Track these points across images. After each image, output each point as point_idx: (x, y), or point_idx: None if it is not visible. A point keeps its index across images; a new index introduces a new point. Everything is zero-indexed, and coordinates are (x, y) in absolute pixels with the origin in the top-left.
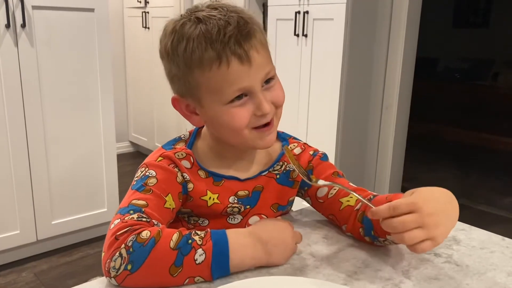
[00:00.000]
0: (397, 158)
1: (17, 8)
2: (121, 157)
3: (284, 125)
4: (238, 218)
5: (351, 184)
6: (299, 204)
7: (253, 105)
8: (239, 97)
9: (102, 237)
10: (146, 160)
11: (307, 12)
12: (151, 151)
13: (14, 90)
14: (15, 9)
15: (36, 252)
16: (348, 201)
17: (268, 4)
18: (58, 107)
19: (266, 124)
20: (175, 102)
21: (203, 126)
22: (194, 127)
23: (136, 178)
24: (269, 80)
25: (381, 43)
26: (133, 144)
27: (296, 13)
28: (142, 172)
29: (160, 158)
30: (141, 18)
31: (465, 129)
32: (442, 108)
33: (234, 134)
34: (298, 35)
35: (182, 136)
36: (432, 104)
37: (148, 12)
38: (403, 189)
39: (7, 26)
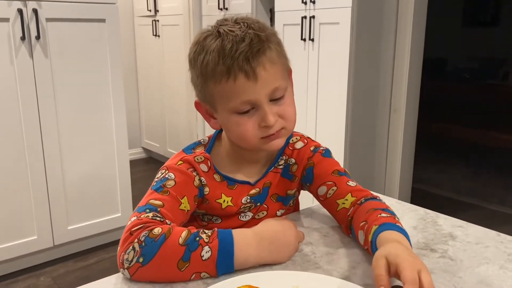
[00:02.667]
0: (406, 160)
1: (32, 21)
2: (134, 163)
3: None
4: (249, 215)
5: (350, 183)
6: (304, 204)
7: (259, 117)
8: (247, 110)
9: (117, 242)
10: (167, 163)
11: (313, 16)
12: (163, 156)
13: (30, 99)
14: (29, 22)
15: (53, 257)
16: (344, 203)
17: (275, 9)
18: (72, 116)
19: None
20: (197, 105)
21: (222, 131)
22: (212, 132)
23: (156, 179)
24: (279, 96)
25: (388, 46)
26: (145, 150)
27: (302, 18)
28: (162, 174)
29: (180, 162)
30: (151, 26)
31: (476, 129)
32: (452, 108)
33: (244, 141)
34: (305, 40)
35: (202, 140)
36: (442, 104)
37: (158, 21)
38: (414, 190)
39: (23, 38)
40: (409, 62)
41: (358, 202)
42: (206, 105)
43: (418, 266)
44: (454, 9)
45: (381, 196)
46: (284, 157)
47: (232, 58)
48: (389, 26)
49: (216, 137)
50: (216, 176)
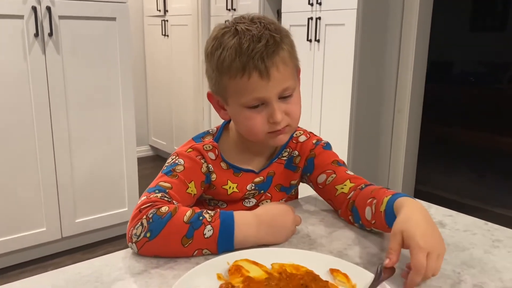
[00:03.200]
0: (409, 161)
1: (45, 18)
2: (141, 160)
3: None
4: (253, 201)
5: (348, 172)
6: (303, 193)
7: (267, 113)
8: (257, 105)
9: (123, 236)
10: (178, 150)
11: (319, 18)
12: (170, 154)
13: (42, 95)
14: (43, 19)
15: (60, 249)
16: (343, 188)
17: (282, 11)
18: (82, 111)
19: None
20: (209, 97)
21: (230, 121)
22: (220, 123)
23: (167, 164)
24: (288, 95)
25: (392, 48)
26: (152, 147)
27: (308, 19)
28: (172, 160)
29: (189, 149)
30: (160, 26)
31: (480, 132)
32: (458, 111)
33: (252, 134)
34: (310, 41)
35: (210, 130)
36: (447, 107)
37: (167, 21)
38: (416, 192)
39: (36, 35)
40: (413, 63)
41: (358, 187)
42: (218, 97)
43: (428, 249)
44: (462, 13)
45: None
46: (288, 150)
47: (248, 57)
48: (394, 27)
49: (224, 127)
50: (223, 164)
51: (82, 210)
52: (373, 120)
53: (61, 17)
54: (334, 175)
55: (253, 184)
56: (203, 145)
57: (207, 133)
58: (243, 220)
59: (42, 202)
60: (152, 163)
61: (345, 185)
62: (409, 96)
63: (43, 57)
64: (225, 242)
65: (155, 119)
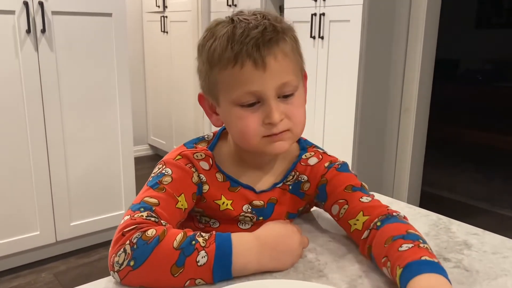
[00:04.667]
0: (416, 162)
1: (38, 14)
2: (140, 160)
3: None
4: (249, 224)
5: (363, 199)
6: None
7: (263, 112)
8: (252, 103)
9: None
10: (165, 157)
11: (323, 14)
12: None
13: (34, 93)
14: (35, 15)
15: (55, 253)
16: (355, 224)
17: (285, 6)
18: (76, 111)
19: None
20: (200, 99)
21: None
22: (218, 129)
23: (153, 175)
24: (289, 94)
25: (399, 45)
26: (152, 147)
27: (312, 15)
28: (159, 169)
29: (178, 157)
30: (159, 22)
31: (487, 132)
32: (464, 110)
33: (244, 138)
34: (314, 37)
35: (206, 136)
36: (453, 106)
37: (166, 17)
38: (423, 193)
39: (28, 31)
40: (421, 61)
41: (374, 227)
42: (209, 97)
43: None
44: (467, 10)
45: (390, 200)
46: (294, 173)
47: (242, 44)
48: (401, 24)
49: (221, 134)
50: (219, 175)
51: (77, 212)
52: (379, 119)
53: (54, 13)
54: (346, 206)
55: (250, 206)
56: (194, 153)
57: (202, 139)
58: (242, 244)
59: (36, 205)
60: (151, 162)
61: (357, 220)
62: (416, 95)
63: (36, 55)
64: (222, 270)
65: (154, 117)
